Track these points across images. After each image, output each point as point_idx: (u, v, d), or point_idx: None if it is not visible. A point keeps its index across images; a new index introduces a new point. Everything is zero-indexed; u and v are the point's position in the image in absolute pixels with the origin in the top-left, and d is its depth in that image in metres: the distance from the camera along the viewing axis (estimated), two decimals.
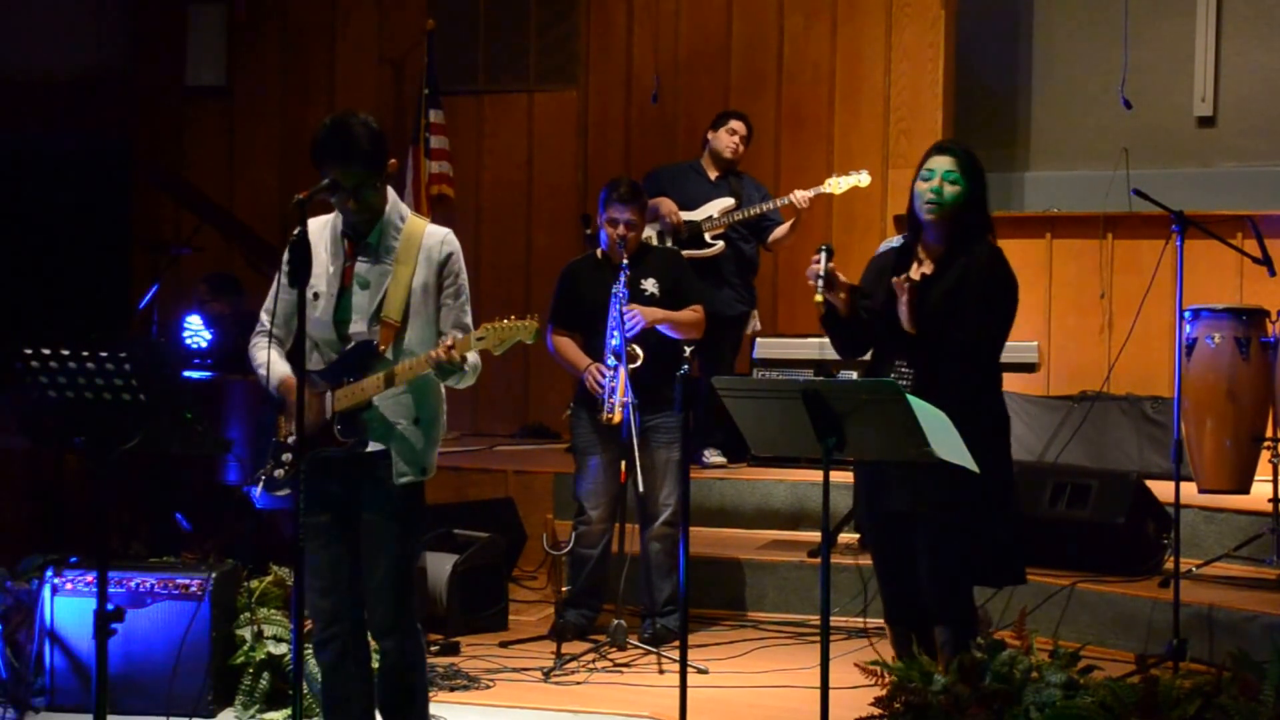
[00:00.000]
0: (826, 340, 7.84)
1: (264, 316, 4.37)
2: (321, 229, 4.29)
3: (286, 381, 4.25)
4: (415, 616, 4.38)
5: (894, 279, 4.52)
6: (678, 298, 6.34)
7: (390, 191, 4.29)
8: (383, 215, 4.23)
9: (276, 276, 4.34)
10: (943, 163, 4.55)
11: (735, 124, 7.95)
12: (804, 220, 7.74)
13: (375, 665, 4.52)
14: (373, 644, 4.48)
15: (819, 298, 4.53)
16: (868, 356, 4.82)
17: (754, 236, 7.92)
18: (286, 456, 4.26)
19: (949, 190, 4.53)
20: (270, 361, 4.26)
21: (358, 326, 4.23)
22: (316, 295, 4.22)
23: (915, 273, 4.61)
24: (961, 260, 4.54)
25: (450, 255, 4.28)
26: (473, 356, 4.22)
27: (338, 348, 4.25)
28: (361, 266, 4.24)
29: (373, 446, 4.23)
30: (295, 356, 4.11)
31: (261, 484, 4.31)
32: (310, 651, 4.60)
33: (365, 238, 4.23)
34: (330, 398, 4.21)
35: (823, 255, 4.50)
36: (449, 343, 4.09)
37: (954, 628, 4.48)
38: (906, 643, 4.59)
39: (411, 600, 4.35)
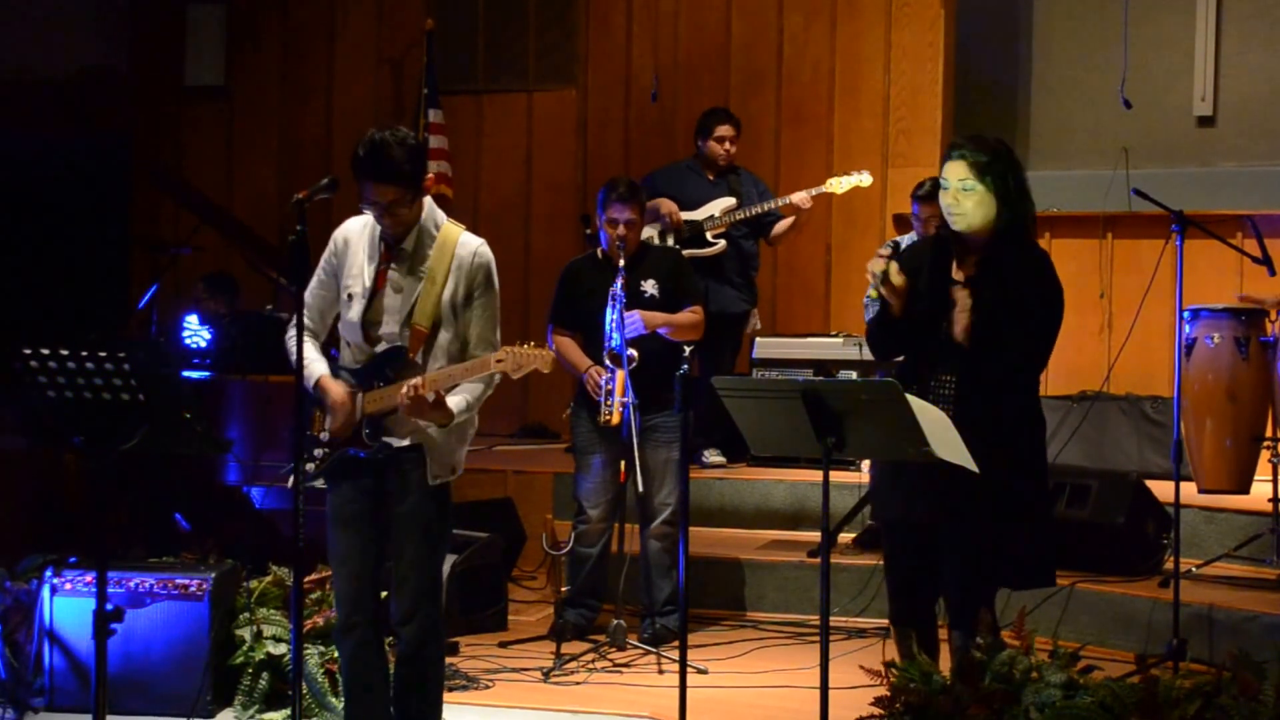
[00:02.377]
0: (826, 340, 7.98)
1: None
2: (362, 230, 4.40)
3: (324, 381, 4.34)
4: (439, 612, 4.43)
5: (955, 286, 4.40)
6: (677, 298, 6.33)
7: (426, 199, 4.37)
8: (418, 223, 4.32)
9: (315, 273, 4.43)
10: (955, 171, 4.38)
11: (722, 129, 7.93)
12: (805, 219, 7.74)
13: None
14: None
15: (873, 293, 4.45)
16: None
17: (755, 233, 7.93)
18: (319, 452, 4.35)
19: (966, 200, 4.36)
20: (308, 359, 4.32)
21: (388, 329, 4.32)
22: (351, 296, 4.34)
23: (956, 274, 4.47)
24: (1007, 263, 4.39)
25: (482, 267, 4.38)
26: (473, 394, 4.33)
27: (366, 349, 4.34)
28: (395, 271, 4.33)
29: (404, 441, 4.32)
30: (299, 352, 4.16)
31: (292, 479, 4.31)
32: (309, 651, 4.61)
33: (400, 243, 4.32)
34: (360, 399, 4.31)
35: (887, 250, 4.42)
36: (416, 382, 4.17)
37: (968, 634, 4.44)
38: (910, 643, 4.58)
39: (436, 594, 4.41)
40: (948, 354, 4.41)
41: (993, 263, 4.40)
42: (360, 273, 4.34)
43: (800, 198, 7.61)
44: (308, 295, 4.40)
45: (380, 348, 4.34)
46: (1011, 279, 4.38)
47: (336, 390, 4.32)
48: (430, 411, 4.22)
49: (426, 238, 4.33)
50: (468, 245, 4.38)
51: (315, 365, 4.36)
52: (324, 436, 4.37)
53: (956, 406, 4.31)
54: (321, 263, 4.44)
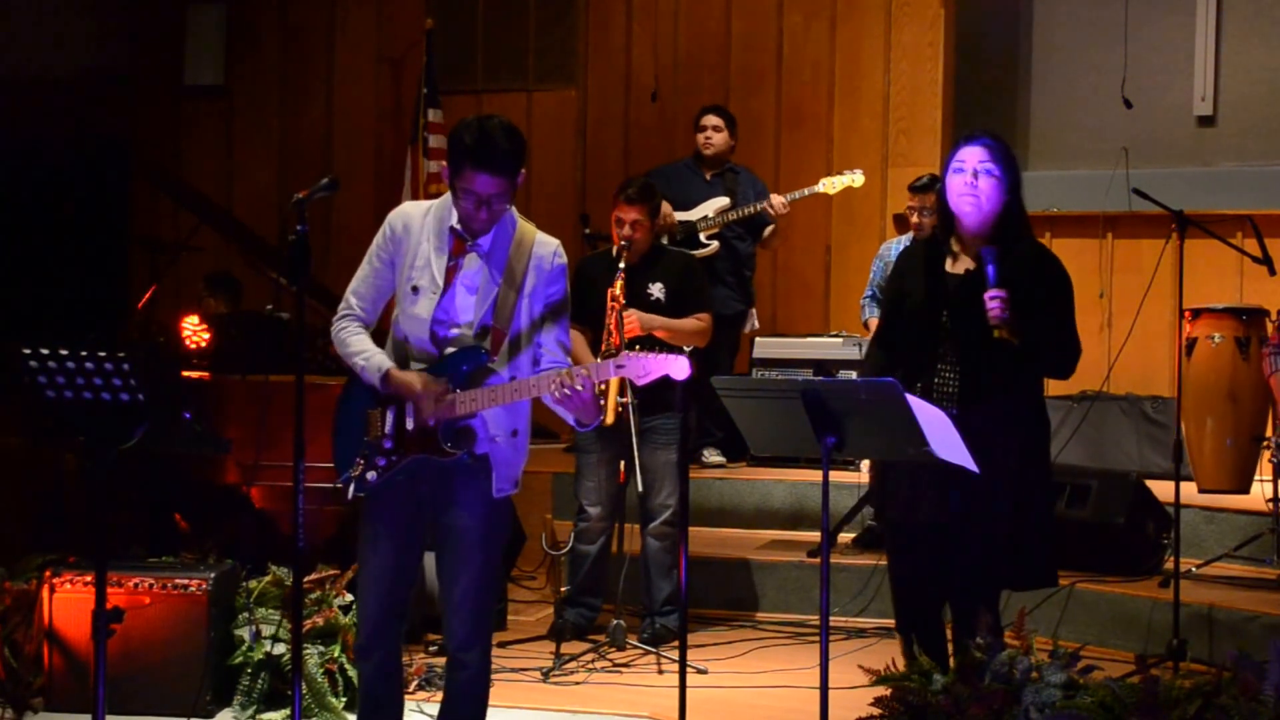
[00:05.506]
0: (825, 340, 7.98)
1: (351, 299, 4.13)
2: (423, 215, 4.09)
3: (394, 375, 4.00)
4: (492, 630, 4.24)
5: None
6: (683, 303, 6.30)
7: None
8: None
9: (366, 258, 4.14)
10: (975, 153, 4.38)
11: (705, 119, 7.94)
12: (804, 219, 7.74)
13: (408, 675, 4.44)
14: (411, 660, 4.39)
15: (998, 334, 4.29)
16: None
17: (749, 234, 7.92)
18: (382, 460, 4.04)
19: (984, 182, 4.36)
20: (368, 350, 4.05)
21: (461, 331, 4.03)
22: (418, 289, 4.03)
23: (953, 268, 4.46)
24: (1017, 255, 4.36)
25: (563, 269, 4.14)
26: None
27: (430, 348, 4.04)
28: (470, 268, 4.05)
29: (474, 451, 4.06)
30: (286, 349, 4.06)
31: (352, 486, 4.10)
32: (309, 650, 4.58)
33: (477, 238, 4.05)
34: (455, 394, 4.00)
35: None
36: (582, 371, 3.88)
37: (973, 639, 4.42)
38: (911, 650, 4.57)
39: (494, 617, 4.23)
40: (948, 349, 4.40)
41: (999, 255, 4.35)
42: (427, 265, 4.02)
43: (776, 202, 7.62)
44: (357, 283, 4.13)
45: (449, 349, 4.03)
46: (1014, 271, 4.34)
47: (420, 380, 3.96)
48: (587, 406, 3.91)
49: (503, 234, 4.06)
50: (547, 245, 4.13)
51: (377, 357, 4.03)
52: (387, 444, 4.04)
53: (960, 405, 4.30)
54: (374, 249, 4.10)
